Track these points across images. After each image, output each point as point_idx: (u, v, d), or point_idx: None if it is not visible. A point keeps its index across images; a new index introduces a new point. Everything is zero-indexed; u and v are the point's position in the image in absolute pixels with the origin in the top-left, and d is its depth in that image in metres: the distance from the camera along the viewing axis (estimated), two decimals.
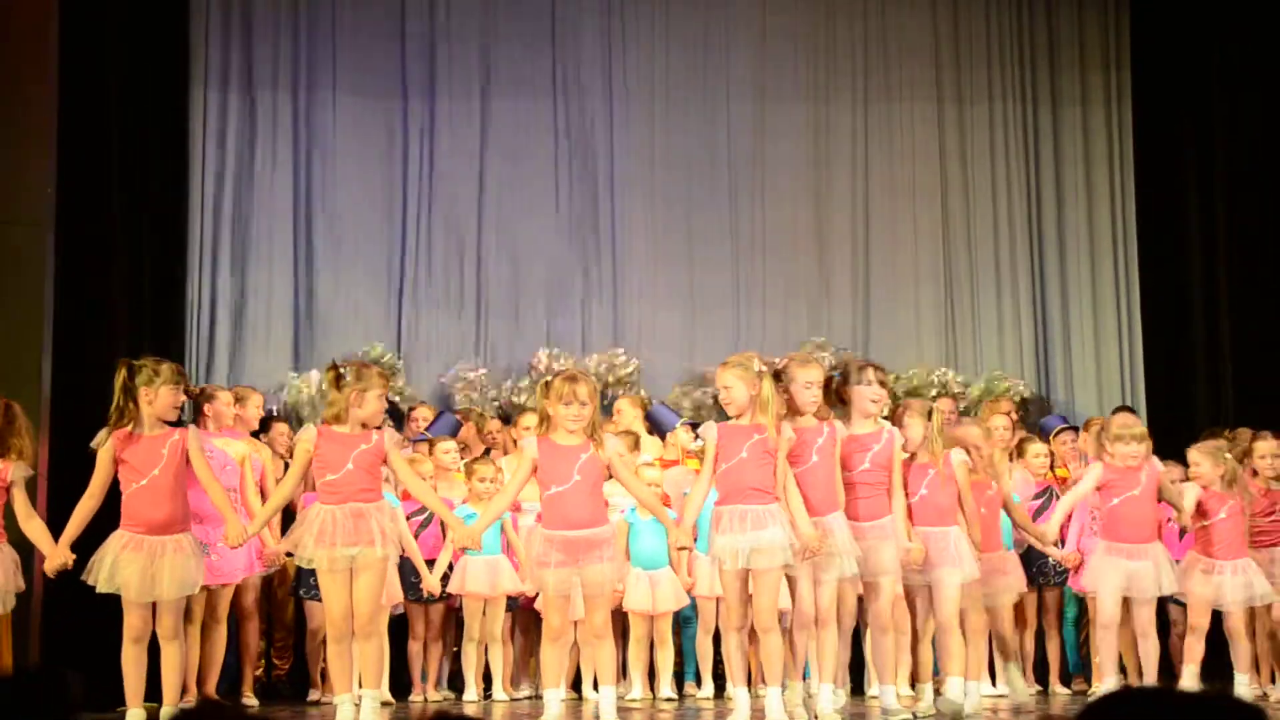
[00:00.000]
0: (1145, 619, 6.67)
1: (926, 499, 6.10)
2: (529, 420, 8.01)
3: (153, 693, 5.84)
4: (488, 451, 8.37)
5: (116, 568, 5.65)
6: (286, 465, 7.26)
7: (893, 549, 5.94)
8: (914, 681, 6.72)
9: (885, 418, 6.24)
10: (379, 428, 5.81)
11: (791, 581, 5.89)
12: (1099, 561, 6.69)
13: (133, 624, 5.70)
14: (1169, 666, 7.32)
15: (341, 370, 5.76)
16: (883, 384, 6.06)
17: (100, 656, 5.92)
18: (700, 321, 9.85)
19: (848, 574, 5.90)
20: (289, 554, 6.39)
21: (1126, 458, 6.65)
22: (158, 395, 5.76)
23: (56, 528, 5.81)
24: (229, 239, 9.33)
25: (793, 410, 5.90)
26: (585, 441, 5.75)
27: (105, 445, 5.74)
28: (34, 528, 5.80)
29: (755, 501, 5.70)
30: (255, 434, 7.76)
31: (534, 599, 7.27)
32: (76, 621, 6.77)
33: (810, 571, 5.81)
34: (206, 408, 7.29)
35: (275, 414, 8.61)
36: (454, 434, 8.47)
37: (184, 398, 5.91)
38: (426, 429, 8.47)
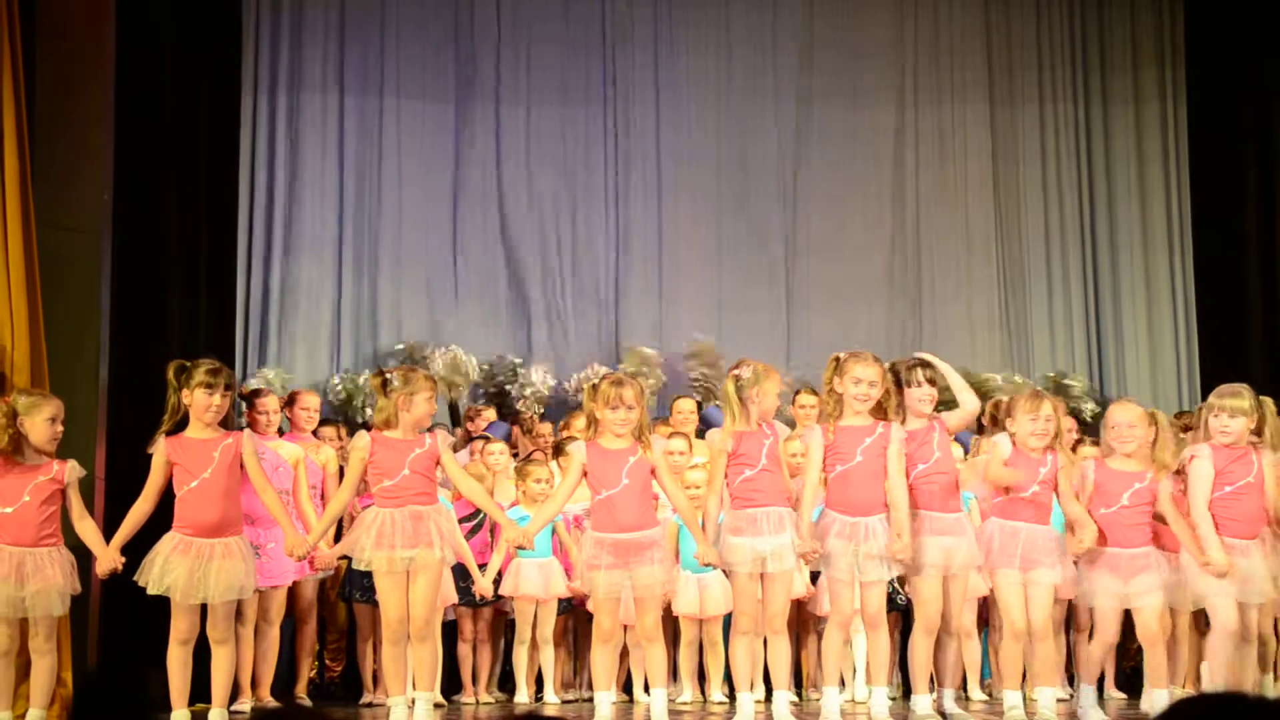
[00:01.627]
0: (1251, 624, 5.88)
1: (1036, 494, 5.95)
2: (582, 423, 8.02)
3: (204, 694, 5.89)
4: (531, 454, 8.38)
5: (165, 569, 5.69)
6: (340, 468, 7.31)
7: (968, 547, 5.91)
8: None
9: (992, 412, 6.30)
10: (431, 430, 5.86)
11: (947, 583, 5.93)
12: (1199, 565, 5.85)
13: (180, 626, 5.74)
14: None
15: (388, 376, 5.80)
16: (931, 382, 6.01)
17: (159, 659, 5.96)
18: (750, 324, 9.83)
19: (890, 576, 5.96)
20: (343, 557, 6.43)
21: (1218, 432, 5.87)
22: (193, 397, 5.80)
23: (113, 531, 5.86)
24: (280, 242, 9.41)
25: (843, 408, 5.90)
26: (633, 444, 5.78)
27: (159, 449, 5.79)
28: (86, 528, 5.86)
29: (772, 504, 5.77)
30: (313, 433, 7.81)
31: (585, 600, 7.28)
32: (135, 624, 6.83)
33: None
34: (248, 412, 7.33)
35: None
36: (506, 438, 8.49)
37: (218, 400, 5.81)
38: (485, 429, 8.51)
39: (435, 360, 9.26)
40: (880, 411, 5.92)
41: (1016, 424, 6.02)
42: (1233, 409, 5.89)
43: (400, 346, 9.41)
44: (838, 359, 5.96)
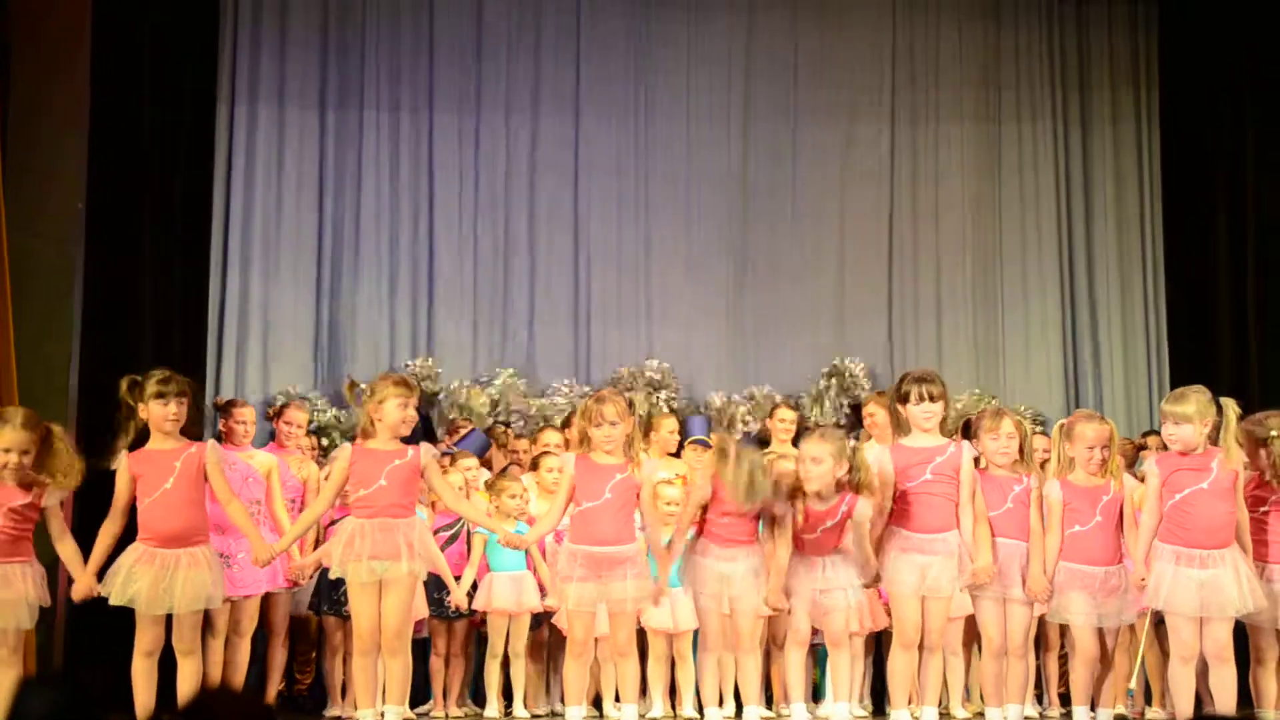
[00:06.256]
0: (1223, 642, 5.69)
1: (1012, 513, 5.96)
2: (549, 438, 8.03)
3: (171, 707, 5.83)
4: (506, 469, 8.35)
5: (129, 579, 5.63)
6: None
7: (953, 567, 5.89)
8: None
9: (966, 425, 6.29)
10: (415, 443, 5.84)
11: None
12: (1167, 572, 5.70)
13: (145, 638, 5.68)
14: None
15: (358, 387, 5.82)
16: (933, 398, 6.00)
17: (124, 670, 5.92)
18: (729, 342, 9.83)
19: (853, 600, 6.01)
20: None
21: (1179, 441, 5.74)
22: (149, 409, 5.72)
23: (82, 543, 5.78)
24: (256, 253, 9.35)
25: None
26: (624, 461, 5.82)
27: (121, 465, 5.71)
28: (66, 549, 5.76)
29: (737, 529, 5.83)
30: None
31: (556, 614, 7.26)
32: (101, 636, 6.77)
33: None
34: (222, 422, 7.29)
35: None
36: (483, 451, 8.45)
37: (173, 408, 5.71)
38: (456, 444, 8.47)
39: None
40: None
41: (981, 444, 6.05)
42: (1183, 415, 5.79)
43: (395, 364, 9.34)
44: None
